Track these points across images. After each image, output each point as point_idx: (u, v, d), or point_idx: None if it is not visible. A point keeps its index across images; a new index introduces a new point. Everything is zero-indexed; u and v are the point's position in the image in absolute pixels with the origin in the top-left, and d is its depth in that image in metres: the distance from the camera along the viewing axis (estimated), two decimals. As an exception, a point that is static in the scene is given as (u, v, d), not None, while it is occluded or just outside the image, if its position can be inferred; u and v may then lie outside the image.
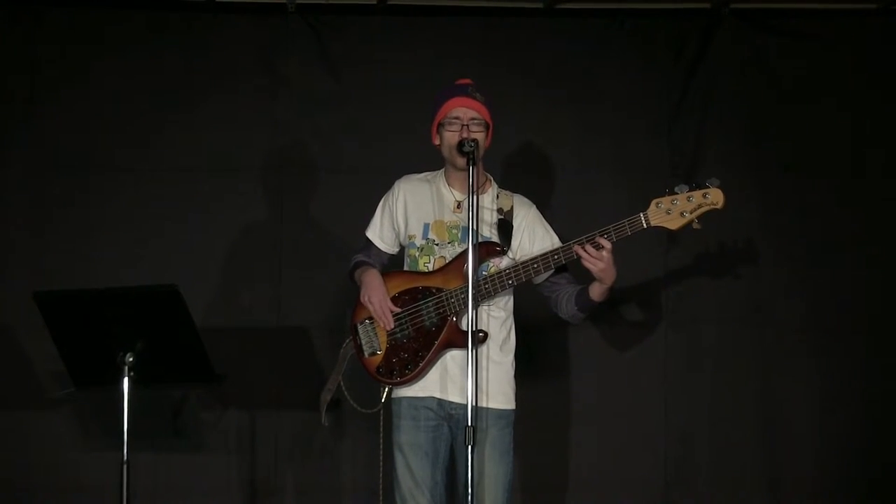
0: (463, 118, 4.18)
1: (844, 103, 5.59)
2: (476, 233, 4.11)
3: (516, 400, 4.29)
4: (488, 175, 4.35)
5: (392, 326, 4.21)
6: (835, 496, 5.54)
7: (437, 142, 4.29)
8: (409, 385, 4.24)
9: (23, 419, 5.44)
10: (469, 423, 3.94)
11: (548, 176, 5.45)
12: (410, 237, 4.30)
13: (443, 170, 4.33)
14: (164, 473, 5.41)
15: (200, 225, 5.52)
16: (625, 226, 4.07)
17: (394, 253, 4.39)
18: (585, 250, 4.05)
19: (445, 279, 4.19)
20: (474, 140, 4.10)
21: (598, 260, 4.05)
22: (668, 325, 5.56)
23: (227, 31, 5.56)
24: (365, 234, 4.42)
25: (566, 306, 4.27)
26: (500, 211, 4.27)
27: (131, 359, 4.26)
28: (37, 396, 5.33)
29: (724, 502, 5.55)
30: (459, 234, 4.22)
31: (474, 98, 4.19)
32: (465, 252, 4.06)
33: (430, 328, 4.21)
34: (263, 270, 5.53)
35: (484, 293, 4.15)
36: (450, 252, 4.22)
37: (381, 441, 4.29)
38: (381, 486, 4.42)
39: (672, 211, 4.06)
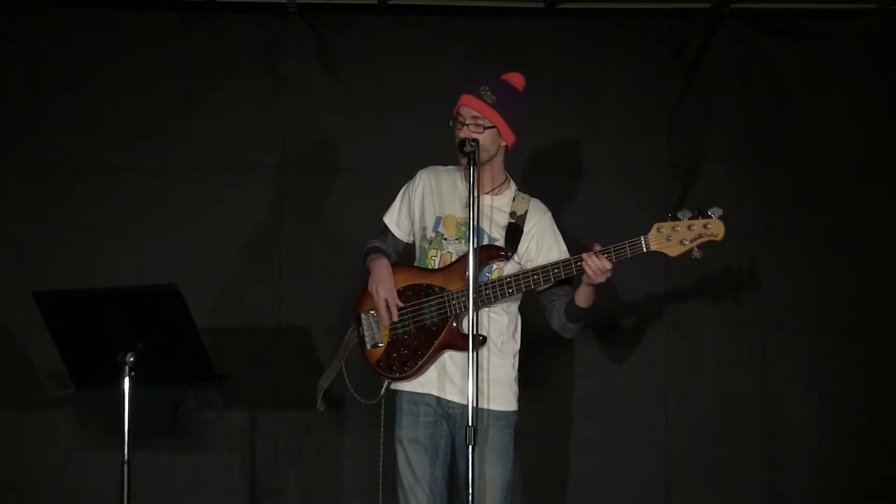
0: (465, 117, 4.18)
1: (844, 103, 5.59)
2: (478, 234, 4.12)
3: (518, 401, 4.29)
4: (507, 176, 4.33)
5: (395, 319, 4.21)
6: (835, 496, 5.53)
7: None
8: (408, 381, 4.24)
9: (23, 419, 5.44)
10: (469, 423, 3.94)
11: (548, 176, 5.45)
12: (423, 229, 4.30)
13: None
14: (164, 473, 5.41)
15: (200, 225, 5.52)
16: (625, 248, 4.08)
17: (409, 242, 4.38)
18: (590, 263, 4.05)
19: (448, 279, 4.19)
20: (475, 140, 4.09)
21: (601, 274, 4.05)
22: (669, 326, 5.56)
23: (227, 31, 5.56)
24: (383, 220, 4.41)
25: (557, 318, 4.27)
26: (512, 214, 4.26)
27: (132, 359, 4.26)
28: (37, 396, 5.33)
29: (724, 502, 5.55)
30: (468, 232, 4.21)
31: (480, 97, 4.17)
32: (477, 250, 4.06)
33: (430, 327, 4.21)
34: (263, 270, 5.53)
35: (484, 298, 4.15)
36: (456, 248, 4.22)
37: (382, 437, 4.29)
38: (380, 484, 4.42)
39: (672, 238, 4.07)
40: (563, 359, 5.50)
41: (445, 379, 4.20)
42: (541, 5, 5.56)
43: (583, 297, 4.17)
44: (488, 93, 4.17)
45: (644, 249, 4.08)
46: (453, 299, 4.17)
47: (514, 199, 4.29)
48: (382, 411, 4.30)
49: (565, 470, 5.51)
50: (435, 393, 4.22)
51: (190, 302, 4.25)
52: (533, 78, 4.40)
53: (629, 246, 4.08)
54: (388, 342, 4.26)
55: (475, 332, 4.05)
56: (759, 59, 5.59)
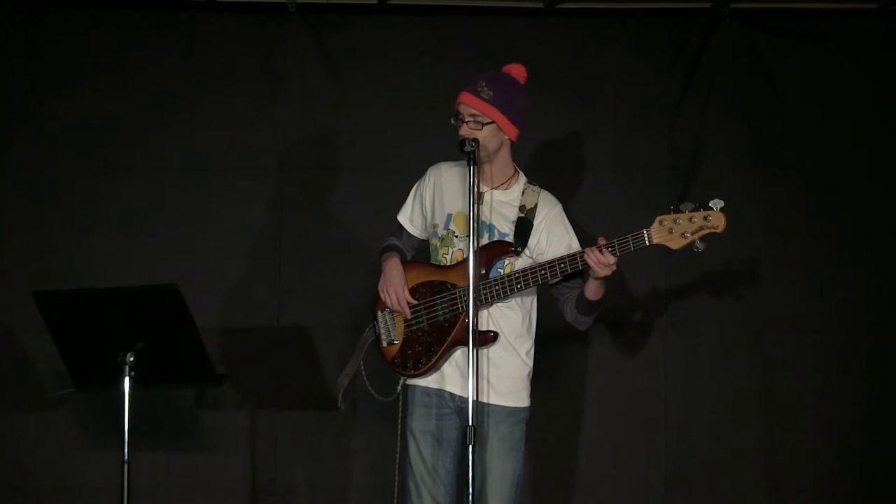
0: (463, 114, 4.18)
1: (844, 103, 5.59)
2: (482, 230, 4.14)
3: (531, 398, 4.29)
4: (516, 168, 4.33)
5: (409, 315, 4.22)
6: (835, 496, 5.53)
7: None
8: (423, 377, 4.25)
9: (23, 419, 5.44)
10: (470, 423, 3.94)
11: (548, 175, 5.43)
12: (434, 226, 4.30)
13: None
14: (164, 473, 5.41)
15: (200, 225, 5.52)
16: (628, 241, 4.08)
17: (425, 238, 4.38)
18: (595, 256, 4.05)
19: (460, 276, 4.19)
20: (475, 140, 4.09)
21: (605, 268, 4.06)
22: (669, 326, 5.56)
23: (227, 31, 5.56)
24: (397, 218, 4.41)
25: (569, 311, 4.27)
26: (522, 208, 4.25)
27: (132, 359, 4.26)
28: (37, 396, 5.33)
29: (724, 502, 5.55)
30: (478, 229, 4.20)
31: (477, 94, 4.16)
32: (480, 249, 4.07)
33: (443, 323, 4.21)
34: (263, 270, 5.53)
35: (493, 295, 4.15)
36: (467, 245, 4.21)
37: (399, 434, 4.29)
38: (395, 482, 4.41)
39: (674, 230, 4.07)
40: (564, 359, 5.50)
41: (457, 374, 4.21)
42: (541, 5, 5.56)
43: (592, 289, 4.17)
44: (485, 88, 4.16)
45: (647, 242, 4.09)
46: (465, 296, 4.17)
47: (523, 192, 4.28)
48: (400, 408, 4.31)
49: (566, 469, 5.51)
50: (448, 388, 4.22)
51: (190, 302, 4.25)
52: (533, 77, 4.39)
53: (632, 239, 4.08)
54: (403, 339, 4.27)
55: (487, 329, 4.07)
56: (759, 59, 5.59)
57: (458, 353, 4.21)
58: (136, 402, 4.27)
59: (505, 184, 4.28)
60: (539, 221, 4.24)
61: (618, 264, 4.07)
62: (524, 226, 4.22)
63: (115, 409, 4.27)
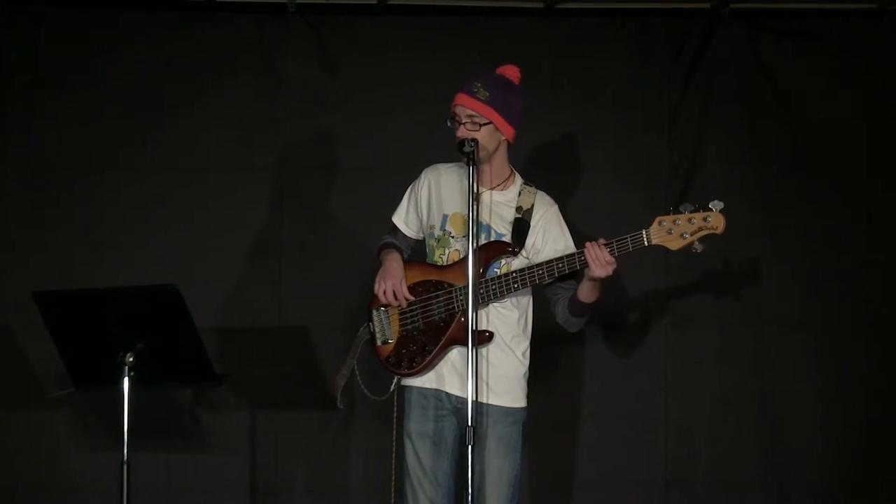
0: (460, 116, 4.18)
1: (844, 103, 5.59)
2: (481, 231, 4.13)
3: (527, 398, 4.29)
4: (512, 169, 4.32)
5: (404, 306, 4.22)
6: (835, 496, 5.54)
7: None
8: (417, 377, 4.25)
9: (23, 419, 5.44)
10: (469, 423, 3.94)
11: (547, 175, 5.43)
12: (430, 227, 4.30)
13: None
14: (164, 473, 5.41)
15: (200, 225, 5.52)
16: (627, 241, 4.07)
17: (420, 238, 4.38)
18: (594, 251, 4.05)
19: (457, 275, 4.19)
20: (474, 140, 4.09)
21: (602, 266, 4.05)
22: (668, 326, 5.56)
23: (227, 31, 5.56)
24: (392, 220, 4.41)
25: (561, 312, 4.27)
26: (519, 209, 4.26)
27: (131, 359, 4.26)
28: (37, 396, 5.33)
29: (724, 502, 5.55)
30: (478, 229, 4.19)
31: (473, 95, 4.16)
32: (477, 250, 4.06)
33: (438, 323, 4.21)
34: (263, 270, 5.53)
35: (490, 294, 4.15)
36: (463, 246, 4.22)
37: (395, 434, 4.29)
38: (392, 482, 4.41)
39: (673, 231, 4.07)
40: (563, 359, 5.50)
41: (454, 374, 4.20)
42: (540, 5, 5.56)
43: (585, 291, 4.17)
44: (481, 89, 4.16)
45: (645, 243, 4.08)
46: (460, 295, 4.17)
47: (519, 193, 4.28)
48: (395, 408, 4.30)
49: (565, 469, 5.51)
50: (444, 388, 4.22)
51: (190, 302, 4.25)
52: (532, 77, 4.40)
53: (631, 239, 4.08)
54: (398, 338, 4.26)
55: (482, 329, 4.07)
56: (758, 59, 5.59)
57: (454, 353, 4.21)
58: (135, 402, 4.27)
59: (502, 184, 4.28)
60: (535, 222, 4.24)
61: (616, 268, 4.07)
62: (521, 226, 4.23)
63: (115, 409, 4.27)
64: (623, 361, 5.56)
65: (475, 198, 4.04)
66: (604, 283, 4.13)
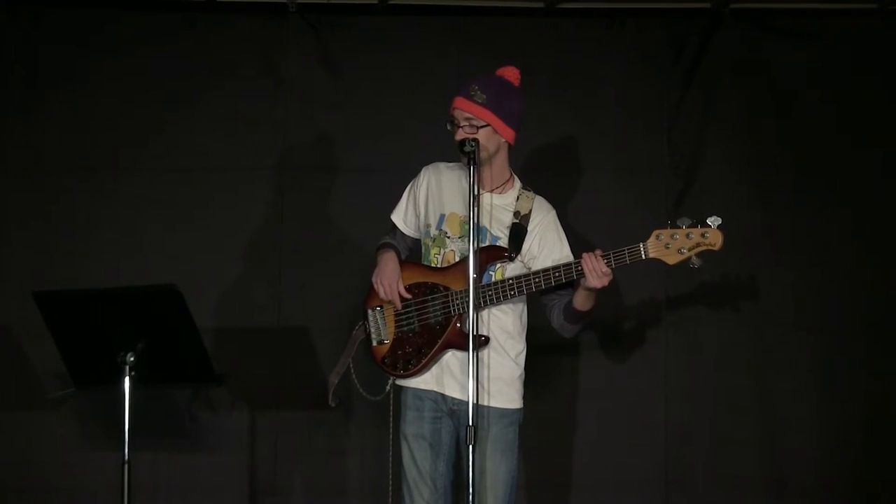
0: (458, 119, 4.18)
1: (844, 103, 5.59)
2: (480, 233, 4.12)
3: (523, 400, 4.29)
4: (512, 173, 4.33)
5: (400, 306, 4.22)
6: (835, 496, 5.53)
7: None
8: (412, 378, 4.25)
9: (23, 419, 5.44)
10: (469, 423, 3.94)
11: (547, 175, 5.45)
12: (427, 226, 4.31)
13: None
14: (164, 473, 5.41)
15: (200, 225, 5.52)
16: (624, 254, 4.09)
17: (418, 237, 4.38)
18: (591, 262, 4.05)
19: (452, 279, 4.20)
20: (475, 140, 4.09)
21: (599, 277, 4.06)
22: (669, 325, 5.56)
23: (227, 31, 5.56)
24: (391, 218, 4.41)
25: (556, 317, 4.28)
26: (516, 214, 4.26)
27: (131, 359, 4.26)
28: (37, 396, 5.33)
29: (724, 502, 5.55)
30: (478, 231, 4.18)
31: (470, 98, 4.17)
32: (477, 251, 4.06)
33: (434, 326, 4.22)
34: (263, 270, 5.53)
35: (486, 300, 4.15)
36: (459, 247, 4.22)
37: (391, 434, 4.29)
38: (390, 482, 4.41)
39: (671, 245, 4.09)
40: (564, 360, 5.50)
41: (449, 376, 4.21)
42: (540, 5, 5.56)
43: (581, 300, 4.18)
44: (478, 92, 4.16)
45: (643, 256, 4.10)
46: (457, 299, 4.18)
47: (518, 197, 4.28)
48: (391, 408, 4.30)
49: (566, 470, 5.51)
50: (439, 390, 4.23)
51: (190, 302, 4.25)
52: (532, 78, 4.39)
53: (628, 252, 4.09)
54: (394, 339, 4.27)
55: (478, 333, 4.05)
56: (758, 59, 5.59)
57: (449, 356, 4.21)
58: (135, 402, 4.27)
59: (501, 187, 4.28)
60: (533, 227, 4.25)
61: (613, 278, 4.07)
62: (518, 231, 4.23)
63: (115, 409, 4.27)
64: (623, 361, 5.56)
65: (473, 200, 4.04)
66: (601, 290, 4.13)
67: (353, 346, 4.36)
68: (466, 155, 4.05)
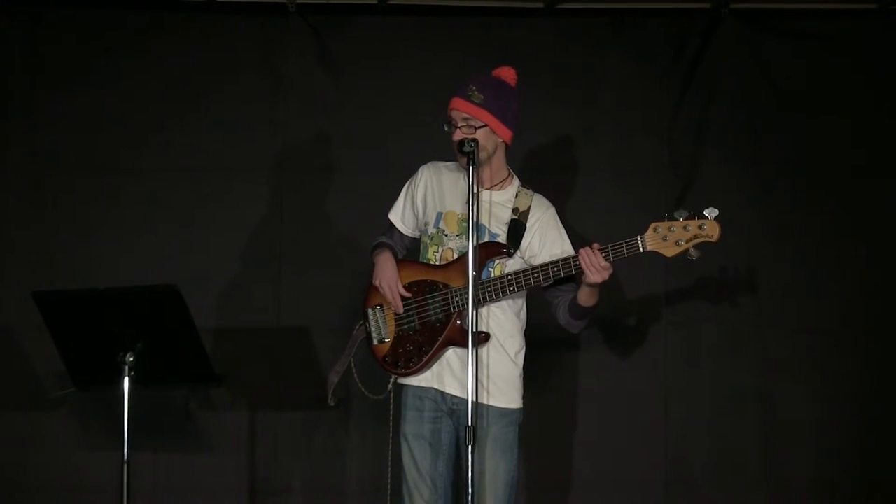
0: (456, 119, 4.19)
1: (844, 103, 5.59)
2: (479, 230, 4.12)
3: (523, 399, 4.29)
4: (510, 171, 4.33)
5: (402, 310, 4.22)
6: (834, 496, 5.53)
7: None
8: (413, 377, 4.25)
9: (23, 419, 5.44)
10: (469, 423, 3.94)
11: (547, 176, 5.45)
12: (425, 224, 4.31)
13: None
14: (164, 473, 5.41)
15: (200, 225, 5.52)
16: (622, 247, 4.08)
17: (416, 237, 4.39)
18: (588, 257, 4.05)
19: (452, 276, 4.20)
20: (474, 140, 4.10)
21: (597, 272, 4.06)
22: (668, 325, 5.56)
23: (227, 31, 5.56)
24: (388, 217, 4.41)
25: (562, 314, 4.28)
26: (515, 210, 4.26)
27: (131, 359, 4.26)
28: (37, 396, 5.33)
29: (724, 502, 5.55)
30: (477, 229, 4.19)
31: (468, 98, 4.17)
32: (476, 248, 4.05)
33: (435, 323, 4.22)
34: (263, 270, 5.53)
35: (486, 296, 4.15)
36: (457, 245, 4.23)
37: (391, 433, 4.29)
38: (389, 481, 4.41)
39: (668, 238, 4.08)
40: (564, 359, 5.51)
41: (450, 374, 4.21)
42: (540, 5, 5.56)
43: (584, 296, 4.18)
44: (475, 92, 4.17)
45: (640, 249, 4.09)
46: (456, 296, 4.18)
47: (516, 194, 4.28)
48: (391, 407, 4.31)
49: (565, 469, 5.51)
50: (439, 387, 4.23)
51: (190, 302, 4.26)
52: (532, 78, 4.40)
53: (626, 245, 4.09)
54: (394, 338, 4.27)
55: (478, 330, 4.06)
56: (758, 59, 5.59)
57: (451, 353, 4.22)
58: (135, 402, 4.27)
59: (499, 185, 4.28)
60: (532, 224, 4.25)
61: (613, 272, 4.07)
62: (517, 228, 4.23)
63: (115, 409, 4.28)
64: (623, 361, 5.56)
65: (474, 198, 4.04)
66: (604, 285, 4.13)
67: (352, 347, 4.36)
68: (465, 155, 4.06)
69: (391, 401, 4.30)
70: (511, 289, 4.15)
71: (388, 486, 4.41)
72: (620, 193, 5.53)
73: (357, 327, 4.36)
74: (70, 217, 5.51)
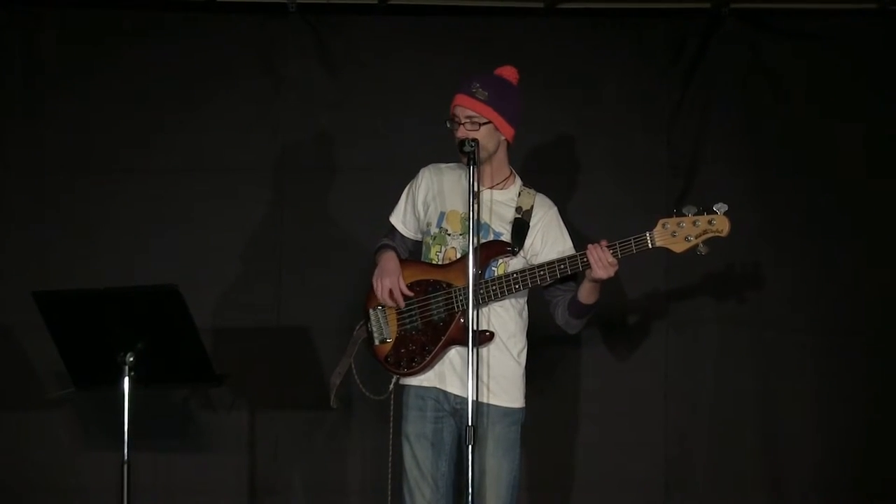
0: (459, 116, 4.18)
1: (844, 103, 5.59)
2: (480, 229, 4.12)
3: (525, 398, 4.28)
4: (512, 170, 4.33)
5: (402, 306, 4.22)
6: (834, 496, 5.54)
7: None
8: (416, 376, 4.25)
9: (23, 419, 5.44)
10: (469, 423, 3.94)
11: (547, 175, 5.44)
12: (427, 225, 4.30)
13: None
14: (164, 473, 5.41)
15: (200, 225, 5.52)
16: (630, 243, 4.07)
17: (418, 239, 4.38)
18: (597, 253, 4.05)
19: (455, 275, 4.19)
20: (475, 140, 4.09)
21: (605, 267, 4.05)
22: (669, 326, 5.56)
23: (227, 31, 5.56)
24: (389, 220, 4.41)
25: (561, 314, 4.27)
26: (518, 209, 4.26)
27: (131, 359, 4.26)
28: (37, 396, 5.33)
29: (724, 502, 5.55)
30: (478, 228, 4.18)
31: (472, 95, 4.17)
32: (478, 248, 4.06)
33: (437, 323, 4.21)
34: (263, 270, 5.53)
35: (489, 295, 4.15)
36: (460, 244, 4.22)
37: (392, 433, 4.29)
38: (389, 481, 4.41)
39: (677, 233, 4.07)
40: (563, 359, 5.51)
41: (453, 374, 4.21)
42: (541, 5, 5.56)
43: (586, 293, 4.17)
44: (479, 89, 4.16)
45: (649, 245, 4.08)
46: (459, 295, 4.17)
47: (519, 193, 4.28)
48: (392, 407, 4.30)
49: (565, 469, 5.51)
50: (441, 387, 4.22)
51: (190, 302, 4.25)
52: (532, 78, 4.40)
53: (634, 242, 4.07)
54: (396, 338, 4.26)
55: (482, 329, 4.06)
56: (758, 59, 5.59)
57: (453, 353, 4.21)
58: (135, 402, 4.27)
59: (501, 184, 4.28)
60: (535, 223, 4.24)
61: (617, 270, 4.06)
62: (520, 226, 4.23)
63: (115, 409, 4.27)
64: (623, 362, 5.56)
65: (475, 197, 4.04)
66: (604, 284, 4.13)
67: (354, 347, 4.35)
68: (466, 154, 4.05)
69: (391, 401, 4.30)
70: (517, 287, 4.14)
71: (389, 487, 4.40)
72: (620, 193, 5.53)
73: (358, 327, 4.35)
74: (70, 217, 5.51)
